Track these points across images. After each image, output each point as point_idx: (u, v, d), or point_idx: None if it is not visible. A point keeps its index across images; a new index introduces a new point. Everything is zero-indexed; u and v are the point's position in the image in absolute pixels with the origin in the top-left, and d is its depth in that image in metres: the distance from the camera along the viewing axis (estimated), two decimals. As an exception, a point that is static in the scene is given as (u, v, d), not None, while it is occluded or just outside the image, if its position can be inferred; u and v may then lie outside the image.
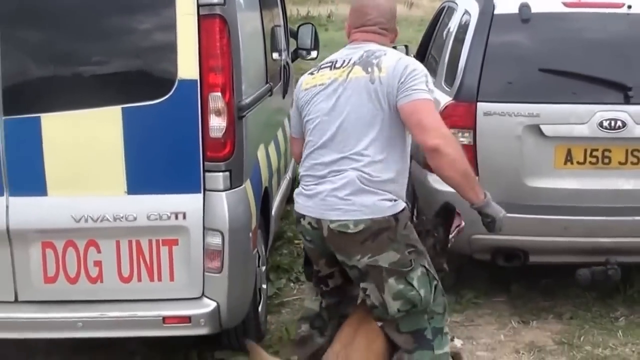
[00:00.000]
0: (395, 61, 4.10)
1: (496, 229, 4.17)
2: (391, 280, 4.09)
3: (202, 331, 4.72)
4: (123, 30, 4.66)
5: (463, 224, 4.58)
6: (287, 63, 7.45)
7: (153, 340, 5.20)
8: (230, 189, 4.66)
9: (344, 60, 4.22)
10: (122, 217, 4.59)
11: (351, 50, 4.27)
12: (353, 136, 4.08)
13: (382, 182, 4.06)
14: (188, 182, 4.61)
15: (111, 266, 4.68)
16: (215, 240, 4.63)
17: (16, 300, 4.75)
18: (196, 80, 4.51)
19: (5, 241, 4.62)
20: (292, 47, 8.11)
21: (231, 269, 4.67)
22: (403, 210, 4.13)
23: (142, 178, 4.61)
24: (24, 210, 4.62)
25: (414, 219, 6.62)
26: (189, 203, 4.62)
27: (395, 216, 4.07)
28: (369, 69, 4.10)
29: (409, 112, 3.99)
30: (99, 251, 4.65)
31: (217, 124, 4.55)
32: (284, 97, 7.12)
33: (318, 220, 4.15)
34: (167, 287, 4.70)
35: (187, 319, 4.67)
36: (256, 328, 5.35)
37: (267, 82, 6.01)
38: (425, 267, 4.16)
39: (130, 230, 4.62)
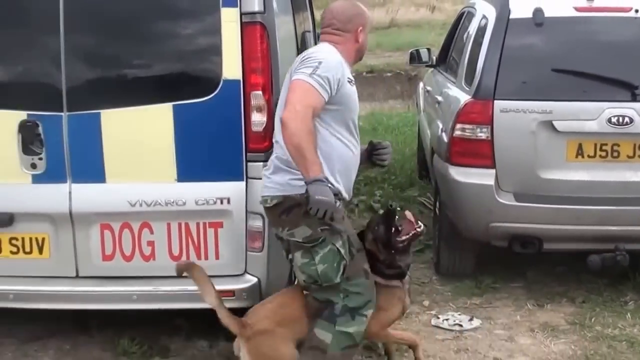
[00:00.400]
0: (304, 52, 4.71)
1: (309, 204, 4.30)
2: (297, 254, 4.62)
3: (245, 304, 5.22)
4: (174, 35, 5.22)
5: (419, 230, 4.99)
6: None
7: (197, 316, 5.75)
8: None
9: None
10: (172, 202, 5.14)
11: None
12: (277, 122, 4.65)
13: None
14: (232, 171, 5.14)
15: (163, 246, 5.23)
16: (256, 222, 5.16)
17: (77, 276, 5.33)
18: (239, 80, 5.05)
19: (68, 223, 5.21)
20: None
21: (271, 249, 5.20)
22: None
23: (190, 167, 5.16)
24: (85, 196, 5.19)
25: (436, 211, 7.15)
26: (233, 189, 5.15)
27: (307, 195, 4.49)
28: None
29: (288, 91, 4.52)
30: (151, 232, 5.20)
31: (258, 119, 5.08)
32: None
33: None
34: (213, 265, 5.20)
35: (232, 293, 5.19)
36: None
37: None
38: (336, 246, 4.56)
39: (180, 213, 5.17)
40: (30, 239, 5.29)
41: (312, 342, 4.67)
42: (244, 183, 5.16)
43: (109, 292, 5.27)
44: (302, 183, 4.44)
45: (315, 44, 8.04)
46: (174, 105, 5.09)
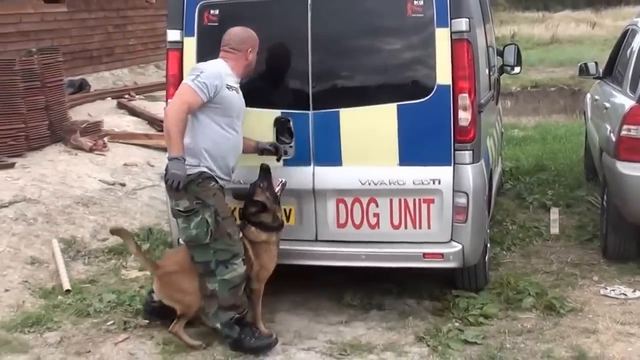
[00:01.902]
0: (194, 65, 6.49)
1: (166, 176, 6.09)
2: (179, 220, 6.27)
3: (451, 265, 6.66)
4: (397, 50, 6.71)
5: (283, 181, 6.59)
6: (498, 76, 9.41)
7: (406, 279, 7.29)
8: (472, 163, 6.59)
9: None
10: (395, 182, 6.59)
11: None
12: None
13: (187, 151, 6.12)
14: (442, 158, 6.54)
15: (386, 217, 6.68)
16: (461, 199, 6.56)
17: (316, 239, 6.87)
18: (449, 85, 6.47)
19: (311, 197, 6.77)
20: (499, 64, 9.97)
21: (472, 221, 6.60)
22: (196, 173, 6.16)
23: (409, 154, 6.58)
24: (325, 176, 6.72)
25: (604, 204, 8.42)
26: (443, 172, 6.55)
27: (188, 176, 6.11)
28: None
29: None
30: (377, 206, 6.67)
31: (464, 116, 6.49)
32: (496, 103, 9.10)
33: None
34: (425, 233, 6.66)
35: (440, 255, 6.61)
36: (483, 273, 7.26)
37: (490, 89, 7.98)
38: (206, 217, 6.15)
39: (400, 191, 6.61)
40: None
41: (206, 292, 6.34)
42: (451, 167, 6.56)
43: (343, 252, 6.76)
44: (187, 167, 6.10)
45: (496, 56, 9.50)
46: (398, 105, 6.54)
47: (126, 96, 16.10)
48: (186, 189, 6.13)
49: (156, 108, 14.78)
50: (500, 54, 9.90)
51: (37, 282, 7.91)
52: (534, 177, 11.45)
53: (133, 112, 14.72)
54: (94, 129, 12.63)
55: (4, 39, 15.51)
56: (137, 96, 16.30)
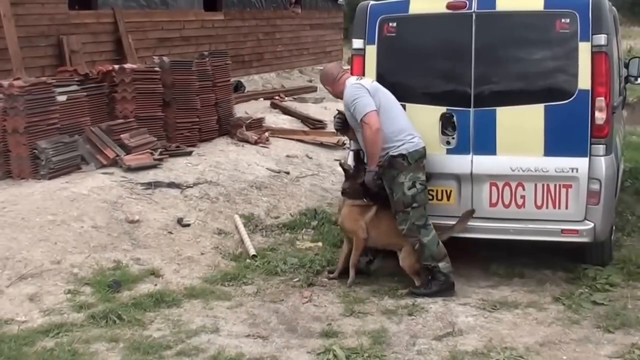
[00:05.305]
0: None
1: None
2: (412, 190, 7.71)
3: (584, 239, 7.82)
4: (546, 59, 7.93)
5: None
6: (624, 85, 10.54)
7: (541, 253, 8.53)
8: (605, 156, 7.76)
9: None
10: (539, 169, 7.80)
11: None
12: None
13: None
14: (580, 150, 7.73)
15: (530, 199, 7.89)
16: (595, 185, 7.74)
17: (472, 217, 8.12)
18: (588, 90, 7.66)
19: (469, 181, 8.03)
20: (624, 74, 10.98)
21: (603, 204, 7.78)
22: None
23: (553, 146, 7.78)
24: (482, 163, 7.97)
25: None
26: (581, 163, 7.73)
27: None
28: None
29: None
30: (523, 189, 7.89)
31: (600, 116, 7.66)
32: (622, 108, 10.25)
33: None
34: (563, 213, 7.85)
35: (576, 231, 7.80)
36: (609, 250, 8.43)
37: (620, 95, 9.16)
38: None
39: (543, 177, 7.82)
40: (442, 191, 8.13)
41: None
42: (587, 159, 7.74)
43: (494, 227, 8.00)
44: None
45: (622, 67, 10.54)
46: (545, 106, 7.78)
47: (277, 97, 17.62)
48: None
49: (307, 108, 16.29)
50: (626, 65, 10.92)
51: (226, 249, 9.40)
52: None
53: (287, 111, 16.21)
54: (257, 124, 14.18)
55: (169, 43, 17.24)
56: (287, 98, 17.84)
